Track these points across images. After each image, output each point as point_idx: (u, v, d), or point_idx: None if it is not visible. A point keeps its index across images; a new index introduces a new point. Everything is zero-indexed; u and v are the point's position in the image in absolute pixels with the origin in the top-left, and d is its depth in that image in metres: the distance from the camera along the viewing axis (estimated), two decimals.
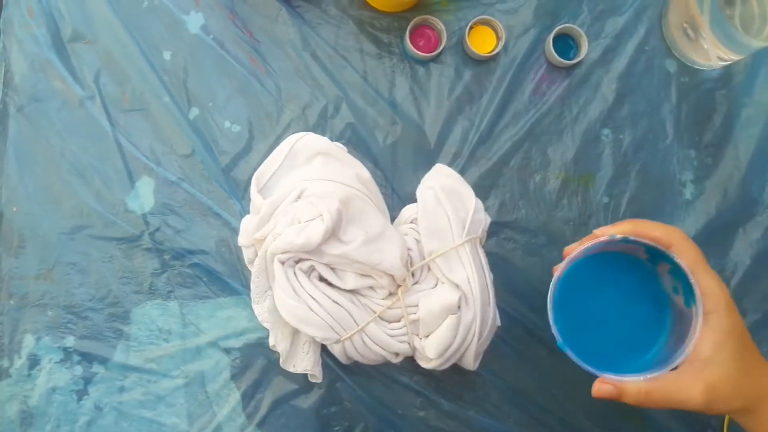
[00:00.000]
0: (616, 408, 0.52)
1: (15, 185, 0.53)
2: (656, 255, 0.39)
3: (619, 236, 0.39)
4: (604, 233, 0.39)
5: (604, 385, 0.38)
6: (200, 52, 0.54)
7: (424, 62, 0.55)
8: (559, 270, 0.40)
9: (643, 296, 0.42)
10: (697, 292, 0.37)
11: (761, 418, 0.37)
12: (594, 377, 0.39)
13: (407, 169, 0.54)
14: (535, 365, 0.53)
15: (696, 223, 0.54)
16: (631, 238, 0.38)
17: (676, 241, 0.38)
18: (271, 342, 0.49)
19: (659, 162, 0.55)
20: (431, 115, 0.55)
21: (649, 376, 0.37)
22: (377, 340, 0.47)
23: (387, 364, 0.50)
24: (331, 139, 0.52)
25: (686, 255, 0.38)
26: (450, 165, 0.53)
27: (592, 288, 0.42)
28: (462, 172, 0.53)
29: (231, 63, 0.54)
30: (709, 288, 0.37)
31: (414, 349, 0.48)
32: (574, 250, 0.40)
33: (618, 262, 0.42)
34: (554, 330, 0.39)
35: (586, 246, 0.39)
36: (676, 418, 0.53)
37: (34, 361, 0.52)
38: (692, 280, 0.37)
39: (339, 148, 0.52)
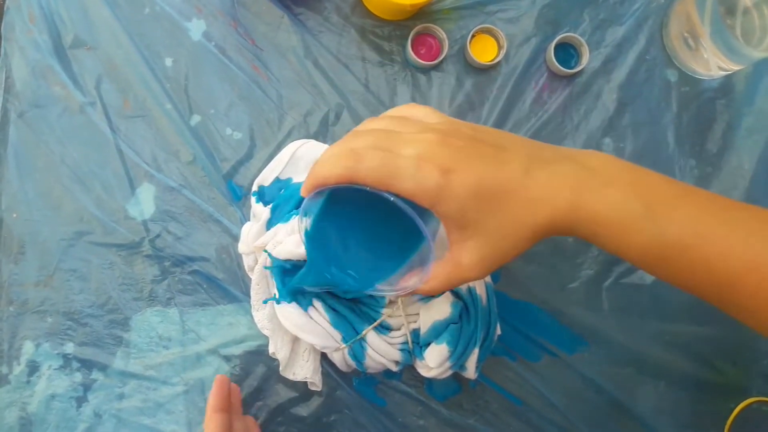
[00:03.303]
0: (618, 417, 0.53)
1: (15, 191, 0.53)
2: None
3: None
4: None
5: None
6: (202, 59, 0.54)
7: (425, 70, 0.55)
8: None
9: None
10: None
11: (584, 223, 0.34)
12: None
13: None
14: (535, 374, 0.53)
15: None
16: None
17: None
18: (271, 349, 0.49)
19: (660, 171, 0.53)
20: None
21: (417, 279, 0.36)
22: (377, 348, 0.47)
23: (387, 371, 0.50)
24: None
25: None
26: None
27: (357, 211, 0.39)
28: None
29: (233, 70, 0.54)
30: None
31: (414, 357, 0.48)
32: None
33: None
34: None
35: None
36: (678, 426, 0.53)
37: (33, 368, 0.52)
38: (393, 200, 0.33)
39: None
